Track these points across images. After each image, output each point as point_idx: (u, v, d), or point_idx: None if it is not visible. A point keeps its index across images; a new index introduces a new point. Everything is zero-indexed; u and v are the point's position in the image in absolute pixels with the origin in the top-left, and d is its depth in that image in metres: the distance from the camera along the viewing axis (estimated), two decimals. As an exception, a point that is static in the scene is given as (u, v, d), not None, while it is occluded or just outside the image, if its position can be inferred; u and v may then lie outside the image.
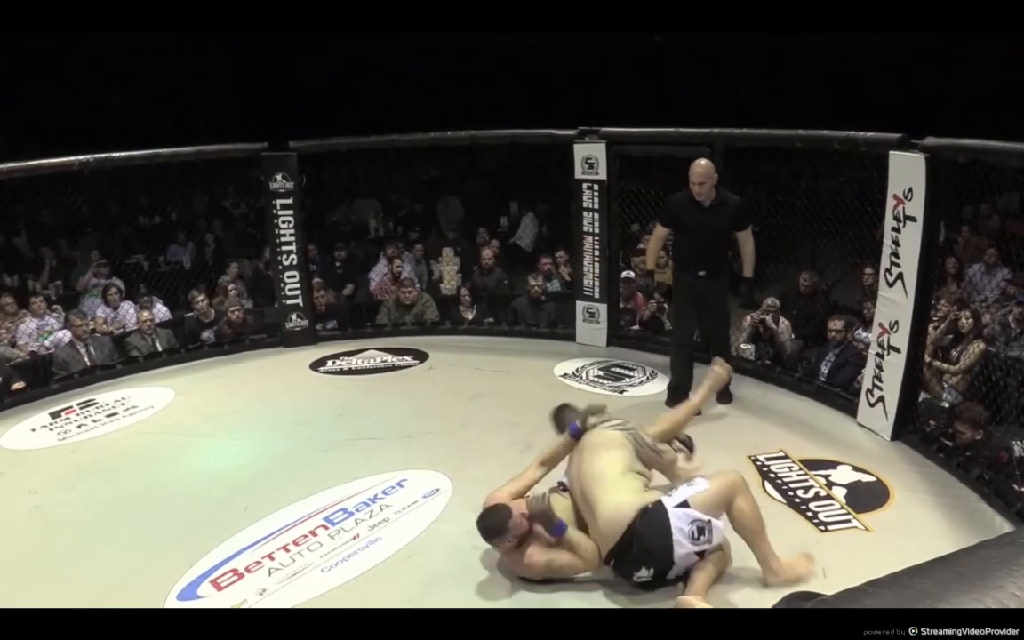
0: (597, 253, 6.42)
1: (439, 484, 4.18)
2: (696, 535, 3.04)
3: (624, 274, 7.42)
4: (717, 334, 5.29)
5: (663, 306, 7.21)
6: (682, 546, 3.03)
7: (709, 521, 3.05)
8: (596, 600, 3.19)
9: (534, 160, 9.27)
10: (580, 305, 6.61)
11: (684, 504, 3.07)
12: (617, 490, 3.19)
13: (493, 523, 3.23)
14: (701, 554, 3.10)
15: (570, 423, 3.58)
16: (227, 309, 7.04)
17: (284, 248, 6.70)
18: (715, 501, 3.10)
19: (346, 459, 4.57)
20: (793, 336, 6.32)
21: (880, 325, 4.64)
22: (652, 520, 3.05)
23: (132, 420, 5.39)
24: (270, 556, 3.58)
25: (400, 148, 8.26)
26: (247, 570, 3.49)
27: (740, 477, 3.19)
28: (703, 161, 4.92)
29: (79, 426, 5.32)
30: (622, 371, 5.93)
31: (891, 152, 4.42)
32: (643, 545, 3.04)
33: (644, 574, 3.11)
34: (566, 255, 7.64)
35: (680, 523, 3.03)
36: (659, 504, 3.09)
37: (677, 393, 5.14)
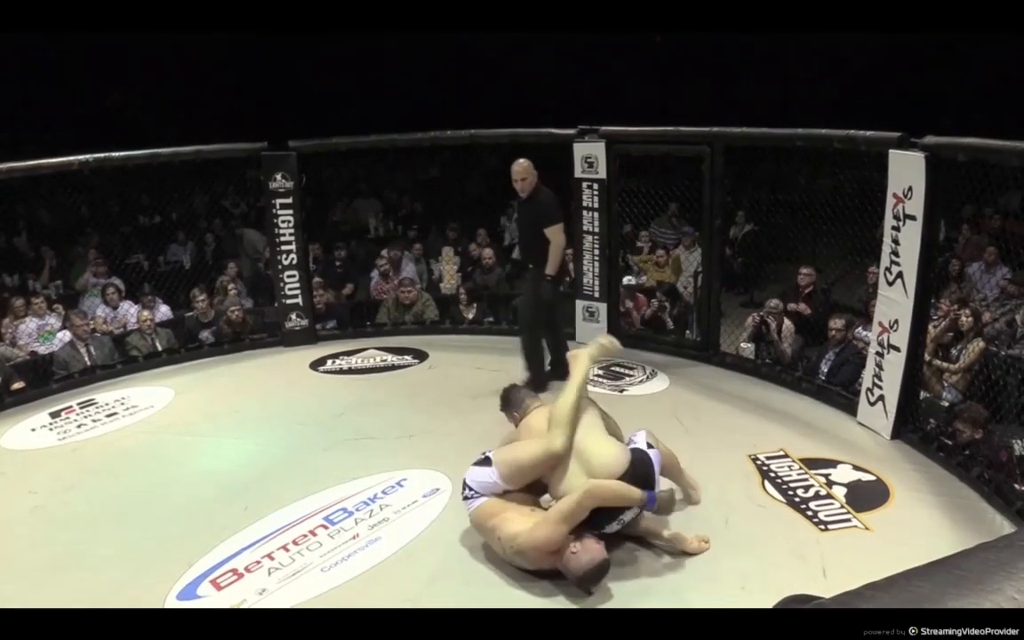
0: (597, 252, 6.42)
1: (439, 484, 4.18)
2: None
3: (625, 280, 7.45)
4: (522, 314, 5.58)
5: (664, 305, 7.23)
6: (658, 481, 3.44)
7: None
8: (596, 600, 3.19)
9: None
10: (580, 304, 6.61)
11: (650, 446, 3.50)
12: (609, 441, 3.47)
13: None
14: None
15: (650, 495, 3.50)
16: (227, 309, 7.04)
17: (284, 248, 6.70)
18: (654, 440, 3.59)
19: (346, 459, 4.56)
20: (795, 330, 6.32)
21: (880, 324, 4.64)
22: (643, 459, 3.39)
23: (132, 420, 5.39)
24: (270, 556, 3.58)
25: (400, 148, 8.26)
26: (247, 570, 3.49)
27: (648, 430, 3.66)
28: (521, 160, 5.33)
29: (79, 426, 5.32)
30: (622, 370, 5.93)
31: (891, 151, 4.42)
32: (640, 477, 3.34)
33: (632, 513, 3.32)
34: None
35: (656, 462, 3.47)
36: (638, 449, 3.46)
37: (557, 368, 5.47)
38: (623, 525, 3.34)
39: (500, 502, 3.41)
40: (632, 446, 3.49)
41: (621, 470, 3.30)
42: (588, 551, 3.11)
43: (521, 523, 3.27)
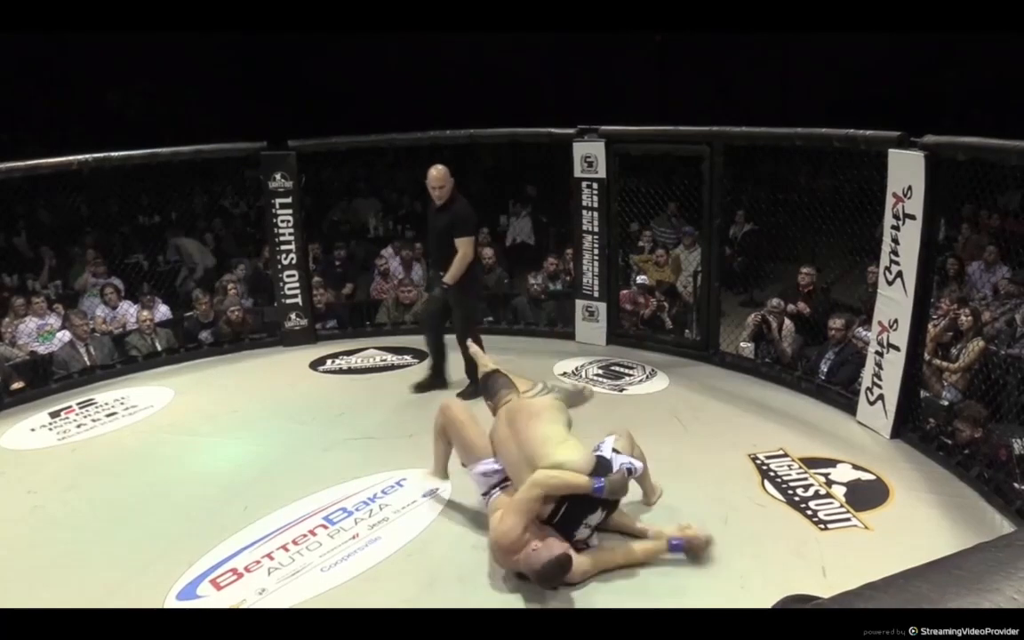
0: (596, 252, 6.42)
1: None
2: (629, 472, 3.45)
3: (639, 279, 7.47)
4: (457, 332, 5.46)
5: (663, 305, 7.23)
6: (627, 479, 3.42)
7: (632, 463, 3.49)
8: (596, 601, 3.19)
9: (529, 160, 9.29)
10: (579, 303, 6.61)
11: (615, 452, 3.49)
12: (566, 448, 3.37)
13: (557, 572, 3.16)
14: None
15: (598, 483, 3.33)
16: (227, 308, 7.04)
17: (283, 247, 6.70)
18: (629, 444, 3.64)
19: (345, 458, 4.56)
20: (794, 330, 6.32)
21: (880, 323, 4.64)
22: (605, 465, 3.34)
23: (131, 420, 5.38)
24: (269, 556, 3.58)
25: (400, 148, 8.26)
26: (246, 570, 3.49)
27: (627, 430, 3.75)
28: (439, 167, 5.23)
29: (78, 426, 5.32)
30: (622, 369, 5.93)
31: (890, 150, 4.42)
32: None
33: (597, 517, 3.32)
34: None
35: (622, 464, 3.43)
36: (602, 456, 3.41)
37: (435, 377, 5.60)
38: (592, 530, 3.34)
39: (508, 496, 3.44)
40: (597, 453, 3.45)
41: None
42: (549, 548, 3.12)
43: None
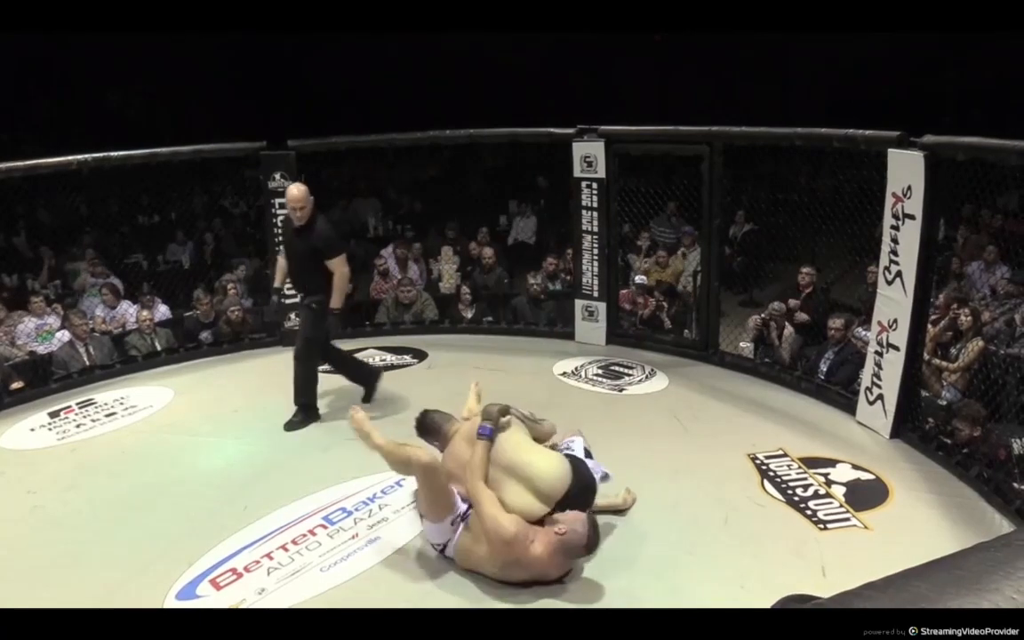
0: (596, 252, 6.42)
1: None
2: (602, 479, 3.61)
3: (638, 279, 7.48)
4: (296, 349, 5.26)
5: (662, 305, 7.24)
6: (598, 484, 3.56)
7: (605, 471, 3.63)
8: (596, 601, 3.19)
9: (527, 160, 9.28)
10: (579, 303, 6.61)
11: (588, 455, 3.61)
12: (543, 454, 3.50)
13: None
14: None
15: (480, 427, 3.47)
16: (226, 308, 7.04)
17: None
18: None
19: (345, 458, 4.55)
20: (794, 331, 6.32)
21: (879, 323, 4.64)
22: (579, 466, 3.46)
23: (131, 420, 5.38)
24: (269, 555, 3.58)
25: (399, 147, 8.26)
26: (246, 569, 3.49)
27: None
28: (299, 186, 5.01)
29: (78, 426, 5.32)
30: (621, 369, 5.93)
31: (890, 150, 4.42)
32: (583, 485, 3.42)
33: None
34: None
35: (595, 468, 3.57)
36: (573, 456, 3.53)
37: (369, 387, 5.54)
38: None
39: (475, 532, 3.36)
40: (569, 453, 3.53)
41: (565, 487, 3.34)
42: (574, 520, 3.20)
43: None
